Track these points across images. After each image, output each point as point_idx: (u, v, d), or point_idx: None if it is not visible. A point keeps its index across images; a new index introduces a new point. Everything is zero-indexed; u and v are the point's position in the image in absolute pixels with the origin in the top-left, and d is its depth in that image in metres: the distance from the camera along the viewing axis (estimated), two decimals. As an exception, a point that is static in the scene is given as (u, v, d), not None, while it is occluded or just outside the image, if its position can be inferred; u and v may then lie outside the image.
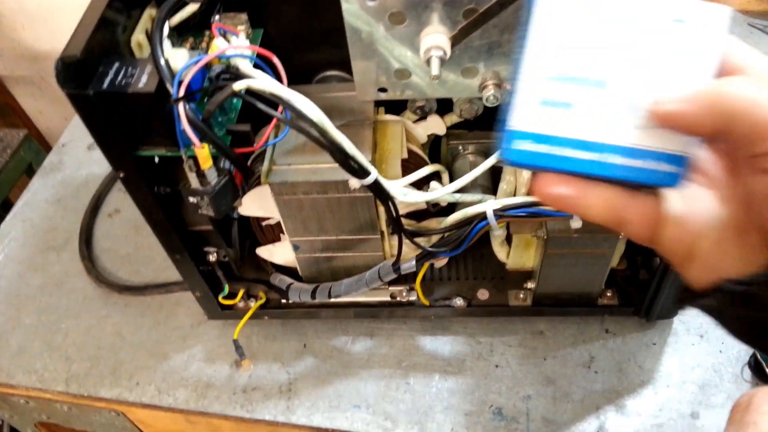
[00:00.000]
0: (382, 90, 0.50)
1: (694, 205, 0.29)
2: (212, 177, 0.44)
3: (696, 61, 0.27)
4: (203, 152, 0.42)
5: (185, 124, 0.40)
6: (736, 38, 0.27)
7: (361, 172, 0.46)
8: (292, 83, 0.44)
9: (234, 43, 0.45)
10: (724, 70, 0.27)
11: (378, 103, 0.56)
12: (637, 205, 0.29)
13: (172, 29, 0.47)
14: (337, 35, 0.48)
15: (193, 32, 0.51)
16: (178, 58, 0.43)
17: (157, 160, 0.49)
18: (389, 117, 0.57)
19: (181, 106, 0.40)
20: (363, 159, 0.46)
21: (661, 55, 0.27)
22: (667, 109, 0.26)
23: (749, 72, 0.26)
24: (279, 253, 0.61)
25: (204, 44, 0.51)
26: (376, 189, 0.47)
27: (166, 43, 0.44)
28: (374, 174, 0.46)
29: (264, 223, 0.58)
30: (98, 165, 0.87)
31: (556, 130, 0.28)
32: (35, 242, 0.79)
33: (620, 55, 0.28)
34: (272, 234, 0.60)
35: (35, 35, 1.35)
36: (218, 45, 0.44)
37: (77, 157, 0.89)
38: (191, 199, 0.45)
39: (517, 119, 0.28)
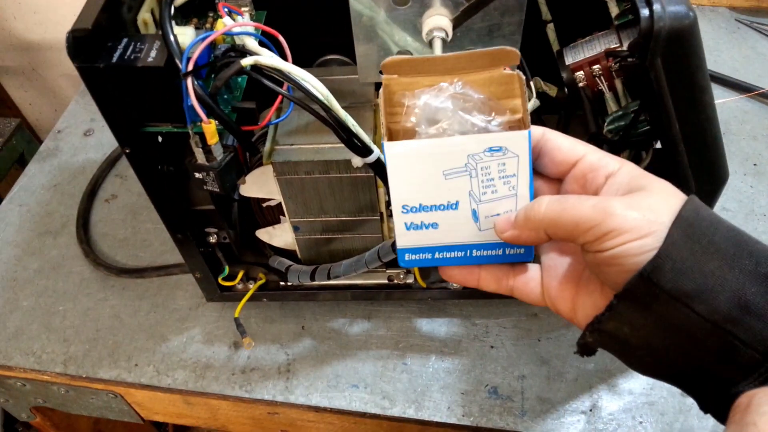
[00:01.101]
0: (384, 72, 0.51)
1: (557, 267, 0.38)
2: (218, 153, 0.45)
3: (515, 180, 0.36)
4: (210, 128, 0.43)
5: (193, 99, 0.41)
6: (554, 133, 0.37)
7: (364, 151, 0.47)
8: (293, 66, 0.45)
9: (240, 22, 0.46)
10: (562, 164, 0.36)
11: (378, 87, 0.57)
12: (516, 275, 0.39)
13: (176, 10, 0.47)
14: (337, 19, 0.49)
15: (196, 13, 0.52)
16: (185, 35, 0.44)
17: (160, 139, 0.50)
18: (389, 100, 0.58)
19: (189, 81, 0.40)
20: (366, 137, 0.46)
21: (490, 178, 0.36)
22: (507, 236, 0.36)
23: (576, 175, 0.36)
24: (278, 235, 0.61)
25: (208, 25, 0.51)
26: (379, 167, 0.48)
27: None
28: (376, 152, 0.47)
29: (264, 205, 0.59)
30: (94, 151, 0.87)
31: (428, 242, 0.38)
32: (32, 227, 0.79)
33: (463, 182, 0.36)
34: (272, 216, 0.60)
35: (26, 26, 1.34)
36: (225, 23, 0.44)
37: (73, 144, 0.89)
38: (197, 175, 0.46)
39: (399, 240, 0.38)
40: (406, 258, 0.39)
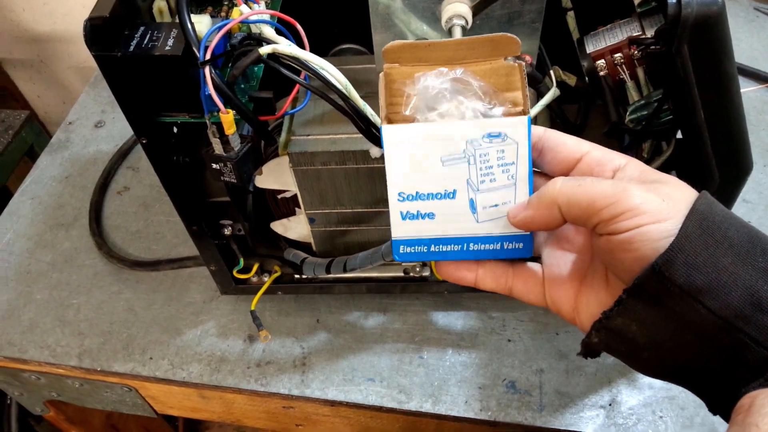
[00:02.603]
0: (402, 61, 0.50)
1: (559, 265, 0.37)
2: (236, 143, 0.44)
3: (514, 168, 0.35)
4: (228, 118, 0.42)
5: (211, 89, 0.40)
6: (555, 132, 0.36)
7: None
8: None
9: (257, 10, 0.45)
10: (565, 161, 0.35)
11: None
12: (516, 274, 0.37)
13: (191, -2, 0.47)
14: (353, 8, 0.48)
15: (211, 2, 0.51)
16: (201, 24, 0.43)
17: (175, 130, 0.50)
18: (406, 90, 0.57)
19: (207, 70, 0.40)
20: (385, 127, 0.46)
21: (488, 166, 0.35)
22: (520, 218, 0.35)
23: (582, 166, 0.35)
24: (293, 227, 0.61)
25: (223, 13, 0.51)
26: (397, 158, 0.47)
27: (187, 11, 0.44)
28: (395, 143, 0.46)
29: (279, 196, 0.58)
30: (106, 143, 0.86)
31: (424, 233, 0.36)
32: (44, 219, 0.78)
33: (461, 170, 0.35)
34: (287, 207, 0.60)
35: (34, 17, 1.34)
36: (242, 11, 0.43)
37: (84, 135, 0.88)
38: (214, 166, 0.45)
39: (394, 231, 0.36)
40: (401, 250, 0.37)
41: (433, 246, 0.37)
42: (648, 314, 0.31)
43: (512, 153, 0.35)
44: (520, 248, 0.37)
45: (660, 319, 0.30)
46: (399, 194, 0.36)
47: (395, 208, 0.36)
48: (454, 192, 0.36)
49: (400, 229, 0.37)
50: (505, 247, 0.37)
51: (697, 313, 0.29)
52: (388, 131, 0.35)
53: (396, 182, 0.36)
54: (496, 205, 0.36)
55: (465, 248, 0.37)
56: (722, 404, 0.31)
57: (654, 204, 0.30)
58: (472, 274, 0.37)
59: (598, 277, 0.35)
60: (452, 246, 0.37)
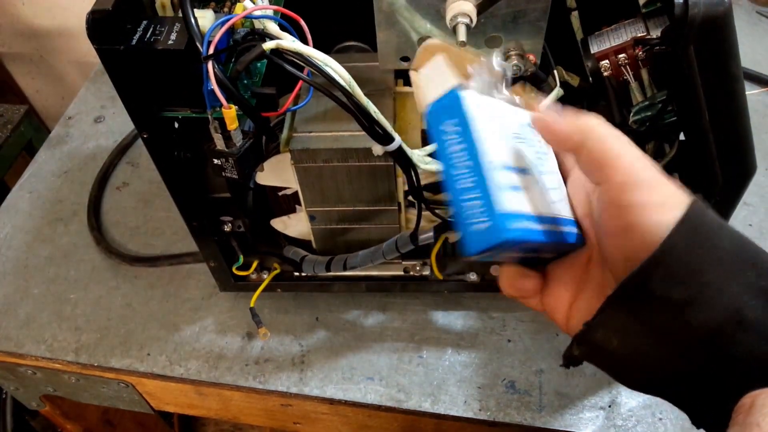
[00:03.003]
0: (405, 59, 0.49)
1: (556, 270, 0.36)
2: (238, 139, 0.44)
3: (552, 158, 0.35)
4: (230, 113, 0.42)
5: (214, 84, 0.40)
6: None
7: (385, 138, 0.46)
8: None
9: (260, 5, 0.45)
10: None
11: (397, 75, 0.56)
12: (531, 279, 0.36)
13: (194, -7, 0.46)
14: (356, 5, 0.48)
15: (214, -3, 0.51)
16: (205, 18, 0.43)
17: (177, 125, 0.49)
18: (409, 89, 0.57)
19: (210, 65, 0.39)
20: (388, 124, 0.45)
21: (541, 149, 0.34)
22: (548, 120, 0.33)
23: None
24: (294, 225, 0.61)
25: (225, 9, 0.50)
26: (399, 156, 0.47)
27: (190, 5, 0.44)
28: (398, 140, 0.46)
29: (280, 193, 0.58)
30: (105, 138, 0.86)
31: (531, 208, 0.31)
32: (42, 214, 0.78)
33: (524, 147, 0.33)
34: (288, 204, 0.59)
35: (34, 11, 1.33)
36: (245, 6, 0.43)
37: (84, 130, 0.88)
38: (216, 161, 0.45)
39: (501, 203, 0.29)
40: (515, 225, 0.29)
41: (537, 223, 0.31)
42: (629, 325, 0.30)
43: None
44: (580, 234, 0.35)
45: (640, 331, 0.30)
46: (500, 161, 0.31)
47: (498, 176, 0.30)
48: (527, 170, 0.33)
49: (505, 201, 0.30)
50: (575, 231, 0.34)
51: (677, 326, 0.29)
52: (470, 96, 0.32)
53: (491, 147, 0.31)
54: (554, 188, 0.34)
55: (554, 228, 0.32)
56: (705, 418, 0.31)
57: (670, 185, 0.30)
58: (540, 281, 0.36)
59: (593, 286, 0.34)
60: (548, 225, 0.32)
